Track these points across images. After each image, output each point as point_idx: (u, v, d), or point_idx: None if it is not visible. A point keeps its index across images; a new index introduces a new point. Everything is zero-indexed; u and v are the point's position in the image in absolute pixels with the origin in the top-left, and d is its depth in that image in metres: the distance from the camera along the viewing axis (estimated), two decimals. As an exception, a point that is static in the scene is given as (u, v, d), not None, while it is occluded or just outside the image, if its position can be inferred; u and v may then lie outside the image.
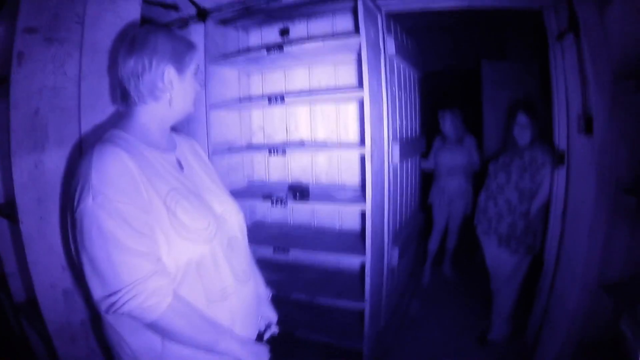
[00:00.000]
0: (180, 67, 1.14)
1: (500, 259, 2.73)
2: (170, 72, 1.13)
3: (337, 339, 2.55)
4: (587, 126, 2.02)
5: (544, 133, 2.67)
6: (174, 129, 1.29)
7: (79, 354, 1.71)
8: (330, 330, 2.63)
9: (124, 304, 0.93)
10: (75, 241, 1.01)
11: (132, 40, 1.13)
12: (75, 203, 0.97)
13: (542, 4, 2.34)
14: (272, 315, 1.38)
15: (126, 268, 0.94)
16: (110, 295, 0.94)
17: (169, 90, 1.14)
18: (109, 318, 1.05)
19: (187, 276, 1.05)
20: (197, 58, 1.21)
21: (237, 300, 1.14)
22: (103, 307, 0.96)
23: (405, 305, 3.35)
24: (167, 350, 1.05)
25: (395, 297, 3.04)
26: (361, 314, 2.41)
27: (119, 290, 0.93)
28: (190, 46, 1.19)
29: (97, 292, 0.96)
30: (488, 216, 2.76)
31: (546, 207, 2.59)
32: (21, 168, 1.51)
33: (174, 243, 1.02)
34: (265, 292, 1.42)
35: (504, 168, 2.74)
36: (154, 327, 1.00)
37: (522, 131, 2.67)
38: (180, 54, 1.14)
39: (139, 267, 0.94)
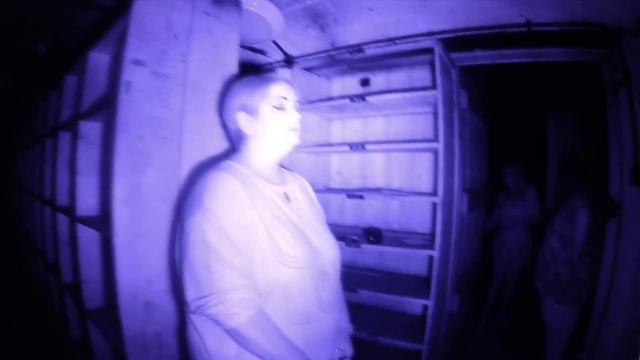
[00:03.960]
0: (250, 109, 1.27)
1: (550, 309, 2.76)
2: (241, 117, 1.29)
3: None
4: (638, 178, 2.09)
5: (589, 182, 2.76)
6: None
7: (149, 364, 1.81)
8: None
9: (210, 307, 1.06)
10: (179, 248, 1.16)
11: (222, 97, 1.34)
12: (186, 216, 1.13)
13: (599, 58, 2.45)
14: (348, 350, 1.44)
15: (220, 277, 1.07)
16: (201, 297, 1.07)
17: (248, 132, 1.30)
18: (196, 322, 1.17)
19: (274, 295, 1.15)
20: (281, 89, 1.28)
21: (317, 327, 1.22)
22: (193, 307, 1.10)
23: (461, 352, 3.38)
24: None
25: (451, 343, 3.08)
26: (418, 355, 2.47)
27: (210, 295, 1.06)
28: (261, 82, 1.29)
29: (190, 293, 1.10)
30: (539, 266, 2.84)
31: (592, 257, 2.61)
32: (122, 186, 1.63)
33: (268, 264, 1.13)
34: (346, 327, 1.49)
35: (551, 217, 2.82)
36: (233, 333, 1.11)
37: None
38: (248, 95, 1.27)
39: (231, 278, 1.07)
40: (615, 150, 2.43)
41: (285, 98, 1.29)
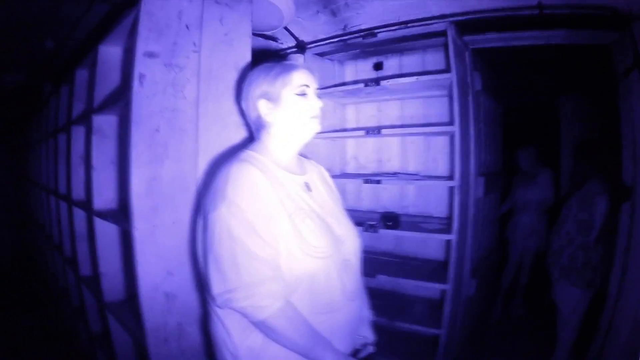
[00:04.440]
0: (271, 96, 1.26)
1: (563, 292, 2.77)
2: (262, 104, 1.27)
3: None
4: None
5: (604, 167, 2.75)
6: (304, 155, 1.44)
7: (170, 354, 1.81)
8: (402, 354, 2.70)
9: (239, 300, 1.06)
10: (204, 242, 1.16)
11: (241, 84, 1.34)
12: (210, 209, 1.12)
13: (610, 41, 2.43)
14: (370, 336, 1.46)
15: (247, 270, 1.07)
16: (228, 291, 1.07)
17: (269, 120, 1.28)
18: (220, 315, 1.18)
19: (301, 286, 1.15)
20: (303, 76, 1.28)
21: (341, 315, 1.23)
22: (219, 301, 1.10)
23: (476, 337, 3.39)
24: (264, 351, 1.16)
25: (468, 328, 3.09)
26: (435, 340, 2.48)
27: (237, 288, 1.06)
28: (283, 70, 1.27)
29: (217, 287, 1.10)
30: (553, 249, 2.84)
31: (606, 243, 2.61)
32: (140, 179, 1.63)
33: (294, 255, 1.13)
34: (367, 314, 1.50)
35: (567, 202, 2.82)
36: (260, 325, 1.11)
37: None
38: (270, 83, 1.26)
39: (259, 270, 1.07)
40: (627, 134, 2.40)
41: (307, 85, 1.28)
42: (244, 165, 1.16)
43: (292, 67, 1.28)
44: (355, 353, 1.37)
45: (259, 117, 1.31)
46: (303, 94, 1.28)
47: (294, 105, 1.27)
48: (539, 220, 3.91)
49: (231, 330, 1.18)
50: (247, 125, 1.39)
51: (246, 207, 1.09)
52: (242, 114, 1.38)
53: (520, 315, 4.09)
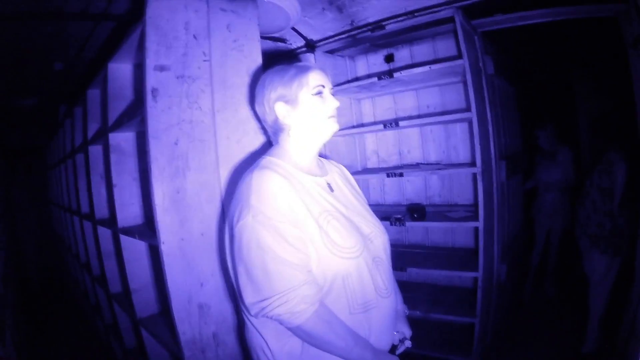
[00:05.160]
0: (289, 98, 1.24)
1: (593, 261, 2.80)
2: (279, 107, 1.26)
3: (445, 354, 2.61)
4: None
5: (621, 137, 2.78)
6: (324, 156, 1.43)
7: (208, 365, 1.83)
8: (437, 344, 2.70)
9: (274, 308, 1.04)
10: (232, 253, 1.15)
11: (254, 89, 1.33)
12: (235, 220, 1.11)
13: (617, 12, 2.40)
14: (406, 331, 1.43)
15: (280, 277, 1.05)
16: (262, 300, 1.06)
17: (287, 122, 1.27)
18: (256, 323, 1.17)
19: (334, 288, 1.14)
20: (318, 77, 1.26)
21: (377, 313, 1.21)
22: (254, 310, 1.09)
23: (509, 319, 3.38)
24: (303, 357, 1.15)
25: (501, 312, 3.07)
26: (470, 328, 2.47)
27: (272, 297, 1.05)
28: (299, 71, 1.26)
29: (249, 297, 1.09)
30: (580, 220, 2.89)
31: (630, 209, 2.65)
32: (163, 193, 1.62)
33: (324, 258, 1.12)
34: (402, 309, 1.48)
35: (589, 173, 2.90)
36: (297, 331, 1.10)
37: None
38: (286, 85, 1.24)
39: (291, 276, 1.06)
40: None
41: (323, 86, 1.27)
42: (265, 172, 1.15)
43: (307, 68, 1.27)
44: (393, 349, 1.35)
45: (276, 121, 1.29)
46: (319, 94, 1.26)
47: (311, 106, 1.25)
48: (563, 198, 3.87)
49: (268, 337, 1.17)
50: (264, 130, 1.38)
51: (271, 214, 1.08)
52: (258, 118, 1.37)
53: (552, 294, 4.05)
